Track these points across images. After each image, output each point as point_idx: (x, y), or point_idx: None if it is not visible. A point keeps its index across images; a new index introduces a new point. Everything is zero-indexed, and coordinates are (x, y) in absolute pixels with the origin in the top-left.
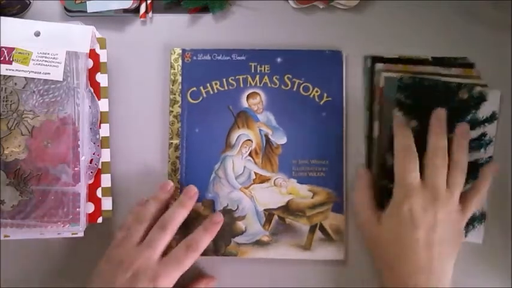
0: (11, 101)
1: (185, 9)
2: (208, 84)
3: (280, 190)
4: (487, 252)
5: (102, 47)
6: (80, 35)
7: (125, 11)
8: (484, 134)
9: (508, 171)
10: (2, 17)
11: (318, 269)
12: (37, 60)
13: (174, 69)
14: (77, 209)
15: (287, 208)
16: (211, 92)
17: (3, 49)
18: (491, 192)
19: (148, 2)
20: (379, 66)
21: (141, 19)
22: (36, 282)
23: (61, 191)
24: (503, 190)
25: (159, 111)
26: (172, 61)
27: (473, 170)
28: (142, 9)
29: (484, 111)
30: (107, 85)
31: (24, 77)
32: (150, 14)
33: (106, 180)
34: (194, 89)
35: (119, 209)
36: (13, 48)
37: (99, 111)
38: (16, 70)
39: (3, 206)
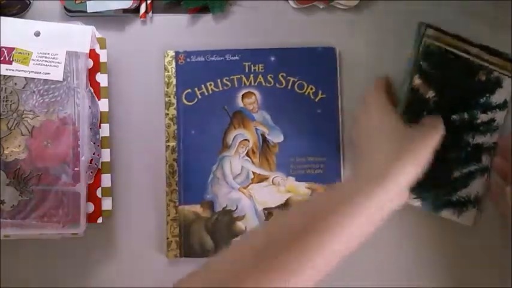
0: (11, 101)
1: (185, 9)
2: (202, 86)
3: (278, 188)
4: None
5: (102, 47)
6: (80, 35)
7: (125, 11)
8: (493, 120)
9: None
10: (2, 17)
11: None
12: (37, 60)
13: (168, 71)
14: (77, 209)
15: (286, 206)
16: (206, 93)
17: (3, 49)
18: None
19: (148, 2)
20: (429, 31)
21: (141, 19)
22: (36, 282)
23: (61, 191)
24: None
25: (159, 111)
26: (166, 64)
27: (477, 153)
28: (142, 9)
29: (497, 98)
30: (107, 85)
31: (24, 77)
32: (150, 14)
33: (106, 180)
34: (189, 90)
35: (119, 209)
36: (13, 48)
37: (99, 111)
38: (16, 70)
39: (3, 206)
